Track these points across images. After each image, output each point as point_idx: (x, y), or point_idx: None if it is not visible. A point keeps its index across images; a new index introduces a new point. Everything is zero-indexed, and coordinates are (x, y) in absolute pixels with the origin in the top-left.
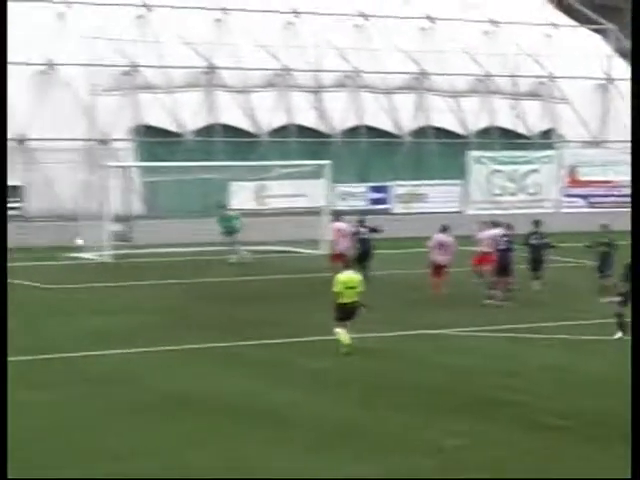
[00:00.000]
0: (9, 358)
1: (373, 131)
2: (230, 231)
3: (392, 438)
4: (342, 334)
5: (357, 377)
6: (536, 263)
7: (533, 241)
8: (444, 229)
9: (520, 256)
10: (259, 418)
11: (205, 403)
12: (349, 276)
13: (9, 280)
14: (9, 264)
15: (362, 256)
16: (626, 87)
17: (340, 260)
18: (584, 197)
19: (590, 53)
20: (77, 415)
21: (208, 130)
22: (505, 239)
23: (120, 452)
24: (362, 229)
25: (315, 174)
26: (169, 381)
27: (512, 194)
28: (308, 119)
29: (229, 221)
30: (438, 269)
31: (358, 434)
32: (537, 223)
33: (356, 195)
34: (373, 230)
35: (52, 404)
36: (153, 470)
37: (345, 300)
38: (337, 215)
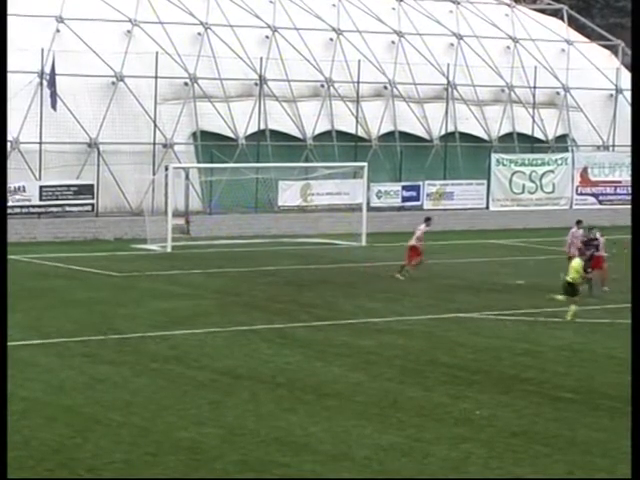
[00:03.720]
0: (90, 337)
1: (406, 136)
2: None
3: (429, 409)
4: (572, 307)
5: (398, 355)
6: None
7: None
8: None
9: None
10: (308, 391)
11: (257, 379)
12: (576, 261)
13: (86, 269)
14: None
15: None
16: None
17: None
18: (595, 195)
19: (601, 66)
20: (142, 390)
21: (259, 135)
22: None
23: (185, 422)
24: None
25: (354, 174)
26: (225, 359)
27: (531, 192)
28: (348, 125)
29: None
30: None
31: (399, 405)
32: None
33: (390, 193)
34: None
35: (121, 379)
36: (220, 436)
37: (571, 278)
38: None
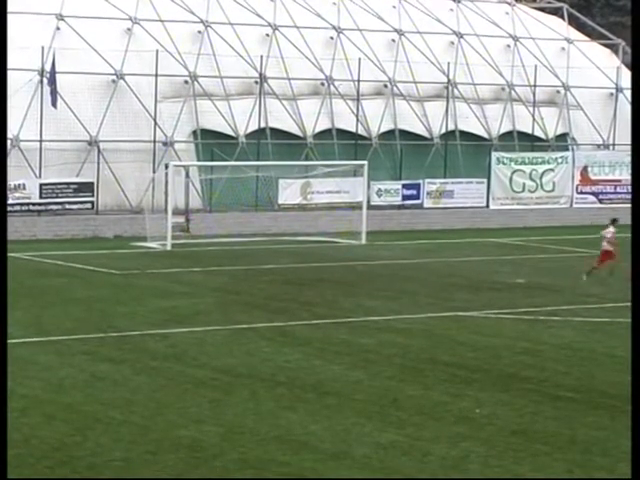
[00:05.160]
0: (89, 335)
1: (406, 134)
2: None
3: (429, 407)
4: None
5: (397, 353)
6: None
7: None
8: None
9: None
10: (308, 390)
11: (257, 377)
12: None
13: (86, 267)
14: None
15: None
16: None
17: None
18: (595, 194)
19: (601, 65)
20: (141, 388)
21: (259, 133)
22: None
23: (185, 421)
24: None
25: (354, 173)
26: (224, 357)
27: (531, 191)
28: (348, 124)
29: None
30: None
31: (398, 403)
32: None
33: (390, 192)
34: None
35: (120, 378)
36: (219, 434)
37: None
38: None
